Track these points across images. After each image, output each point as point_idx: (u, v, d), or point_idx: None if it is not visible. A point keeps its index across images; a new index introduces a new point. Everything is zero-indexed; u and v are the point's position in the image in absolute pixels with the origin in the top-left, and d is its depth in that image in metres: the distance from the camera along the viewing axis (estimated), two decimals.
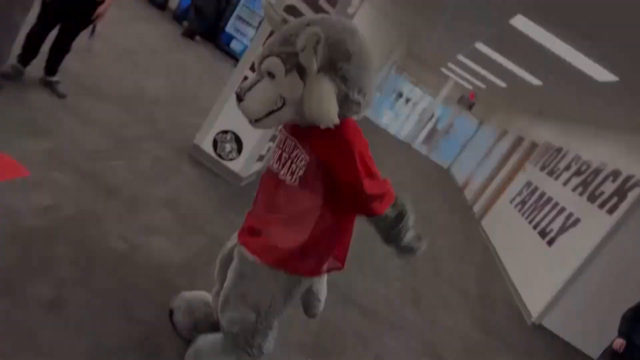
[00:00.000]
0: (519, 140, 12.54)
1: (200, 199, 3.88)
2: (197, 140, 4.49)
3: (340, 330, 3.43)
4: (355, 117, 1.86)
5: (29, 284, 2.14)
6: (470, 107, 18.39)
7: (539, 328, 6.20)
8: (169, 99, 5.77)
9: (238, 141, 4.41)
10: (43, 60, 4.00)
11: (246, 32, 10.89)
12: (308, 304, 2.35)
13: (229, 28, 11.00)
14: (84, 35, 4.09)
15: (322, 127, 1.70)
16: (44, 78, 4.02)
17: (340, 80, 1.69)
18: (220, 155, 4.46)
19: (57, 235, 2.50)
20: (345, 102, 1.73)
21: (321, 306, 2.40)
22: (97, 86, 4.72)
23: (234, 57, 10.37)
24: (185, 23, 10.43)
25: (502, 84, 10.52)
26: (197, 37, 10.41)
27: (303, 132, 1.86)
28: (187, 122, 5.14)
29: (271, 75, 1.74)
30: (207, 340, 2.19)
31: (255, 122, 1.83)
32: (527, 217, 8.66)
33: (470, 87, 16.29)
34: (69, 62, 4.19)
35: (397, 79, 23.04)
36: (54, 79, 4.03)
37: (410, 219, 1.97)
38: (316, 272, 2.09)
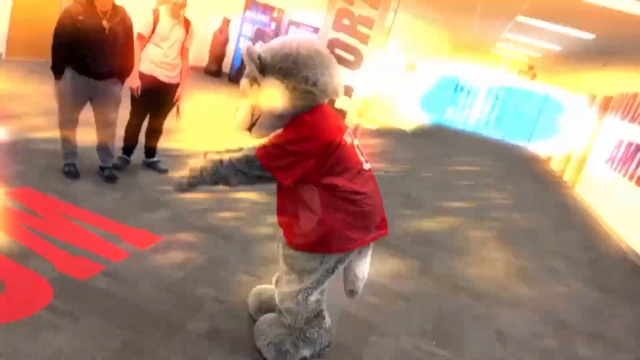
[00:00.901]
0: (592, 98, 12.10)
1: None
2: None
3: (455, 314, 3.66)
4: (321, 102, 2.28)
5: (189, 321, 2.63)
6: (532, 78, 17.94)
7: None
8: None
9: None
10: (142, 146, 4.69)
11: None
12: (345, 281, 2.53)
13: None
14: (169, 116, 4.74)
15: (267, 113, 2.23)
16: (146, 161, 4.70)
17: (282, 76, 2.17)
18: None
19: (197, 280, 3.01)
20: (295, 92, 2.18)
21: (360, 284, 2.52)
22: (188, 156, 5.37)
23: None
24: None
25: (557, 47, 10.32)
26: None
27: None
28: None
29: (243, 92, 2.30)
30: (266, 318, 2.59)
31: (249, 132, 2.36)
32: (620, 171, 8.38)
33: (525, 59, 15.94)
34: (161, 141, 4.85)
35: (450, 74, 22.81)
36: (155, 159, 4.71)
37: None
38: (327, 248, 2.29)
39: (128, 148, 4.57)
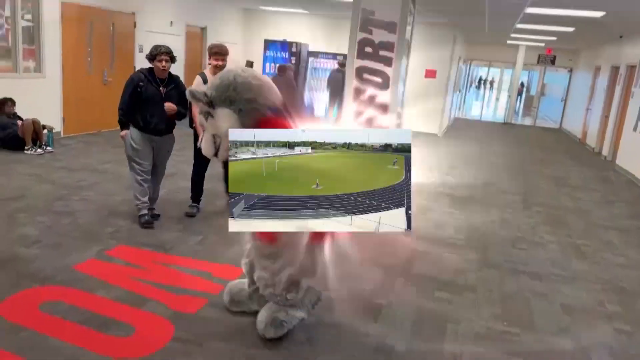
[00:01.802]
0: (615, 70, 12.16)
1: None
2: None
3: (519, 296, 3.97)
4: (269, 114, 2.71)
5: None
6: (552, 61, 17.98)
7: None
8: None
9: None
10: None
11: (320, 97, 12.30)
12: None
13: (307, 101, 12.43)
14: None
15: (226, 138, 2.58)
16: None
17: (229, 103, 2.62)
18: None
19: None
20: (243, 113, 2.63)
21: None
22: None
23: None
24: None
25: (569, 29, 10.51)
26: None
27: None
28: None
29: (202, 126, 2.80)
30: (259, 313, 2.98)
31: (216, 157, 2.83)
32: None
33: (542, 44, 16.06)
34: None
35: (469, 70, 23.04)
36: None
37: None
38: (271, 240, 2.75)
39: (196, 197, 5.10)
